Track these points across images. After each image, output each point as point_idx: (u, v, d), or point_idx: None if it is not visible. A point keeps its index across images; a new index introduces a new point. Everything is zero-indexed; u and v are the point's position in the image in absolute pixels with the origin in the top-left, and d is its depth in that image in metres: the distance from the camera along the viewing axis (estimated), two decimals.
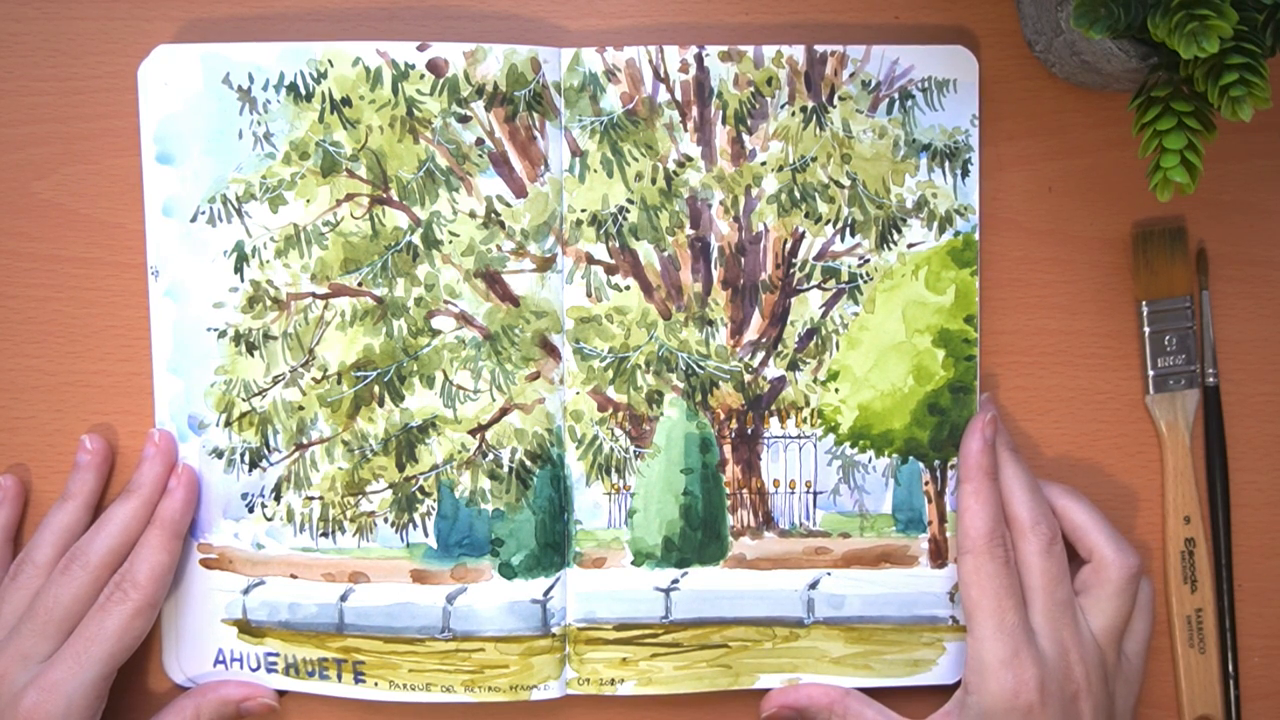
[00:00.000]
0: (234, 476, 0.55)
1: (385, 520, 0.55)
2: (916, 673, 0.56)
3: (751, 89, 0.55)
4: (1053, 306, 0.57)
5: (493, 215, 0.55)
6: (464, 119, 0.54)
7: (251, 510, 0.55)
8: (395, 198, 0.55)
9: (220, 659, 0.55)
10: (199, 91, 0.54)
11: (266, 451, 0.55)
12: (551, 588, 0.55)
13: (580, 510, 0.56)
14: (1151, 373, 0.57)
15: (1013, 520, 0.53)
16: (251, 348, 0.55)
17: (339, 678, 0.55)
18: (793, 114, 0.55)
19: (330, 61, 0.54)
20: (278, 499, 0.55)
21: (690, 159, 0.55)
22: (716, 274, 0.56)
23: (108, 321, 0.56)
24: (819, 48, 0.55)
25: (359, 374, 0.55)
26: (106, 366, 0.57)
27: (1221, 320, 0.58)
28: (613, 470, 0.56)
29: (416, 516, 0.55)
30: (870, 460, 0.56)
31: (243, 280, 0.55)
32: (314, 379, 0.55)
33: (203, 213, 0.55)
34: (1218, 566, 0.57)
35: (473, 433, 0.55)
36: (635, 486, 0.56)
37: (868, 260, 0.56)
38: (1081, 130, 0.57)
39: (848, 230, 0.56)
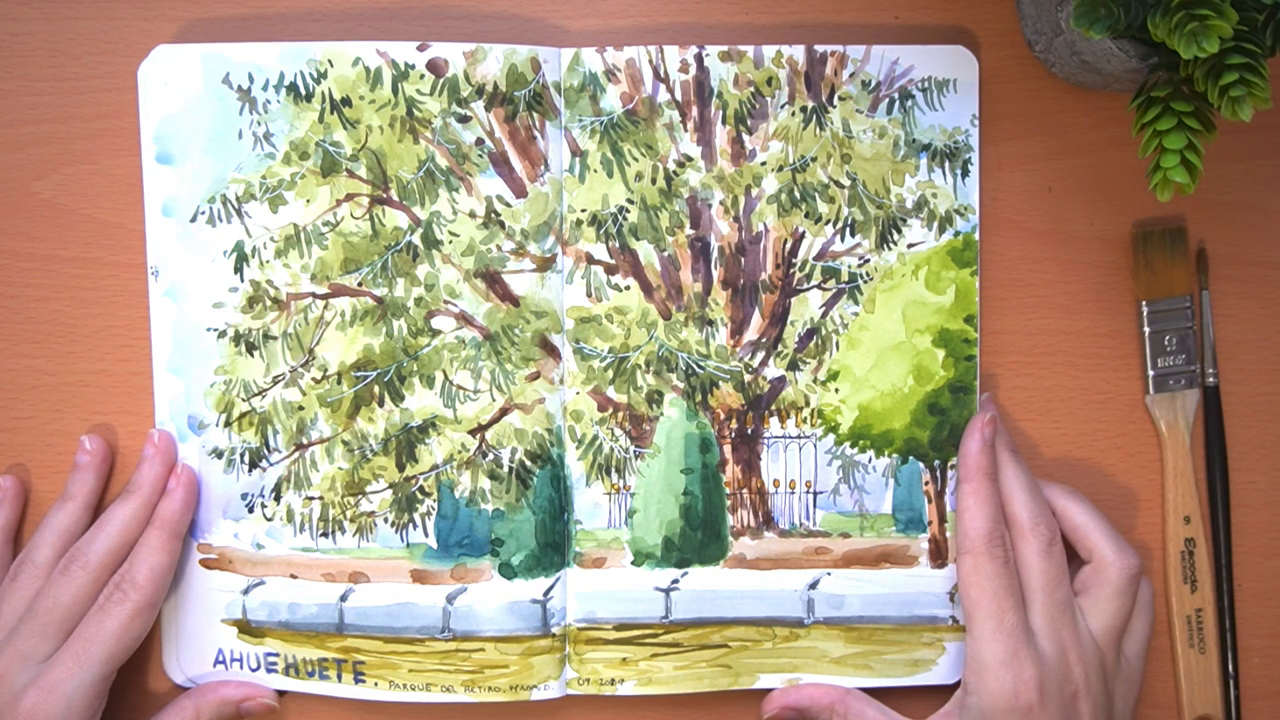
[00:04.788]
0: (234, 476, 0.55)
1: (385, 520, 0.55)
2: (916, 673, 0.56)
3: (751, 89, 0.55)
4: (1053, 306, 0.57)
5: (493, 215, 0.55)
6: (464, 119, 0.54)
7: (251, 510, 0.55)
8: (395, 198, 0.55)
9: (220, 659, 0.55)
10: (199, 91, 0.54)
11: (266, 451, 0.55)
12: (551, 588, 0.55)
13: (580, 510, 0.56)
14: (1151, 373, 0.57)
15: (1012, 521, 0.53)
16: (251, 348, 0.55)
17: (339, 678, 0.55)
18: (793, 114, 0.55)
19: (330, 61, 0.54)
20: (278, 499, 0.55)
21: (690, 159, 0.55)
22: (716, 274, 0.56)
23: (108, 321, 0.56)
24: (819, 48, 0.55)
25: (359, 374, 0.55)
26: (106, 366, 0.57)
27: (1221, 320, 0.58)
28: (613, 470, 0.56)
29: (416, 516, 0.55)
30: (870, 460, 0.56)
31: (243, 280, 0.55)
32: (314, 379, 0.55)
33: (202, 213, 0.55)
34: (1218, 566, 0.57)
35: (473, 433, 0.55)
36: (635, 486, 0.56)
37: (868, 260, 0.56)
38: (1081, 130, 0.57)
39: (848, 230, 0.56)
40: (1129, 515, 0.58)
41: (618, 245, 0.55)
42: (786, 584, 0.56)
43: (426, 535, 0.55)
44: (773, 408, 0.56)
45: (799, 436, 0.56)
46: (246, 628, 0.55)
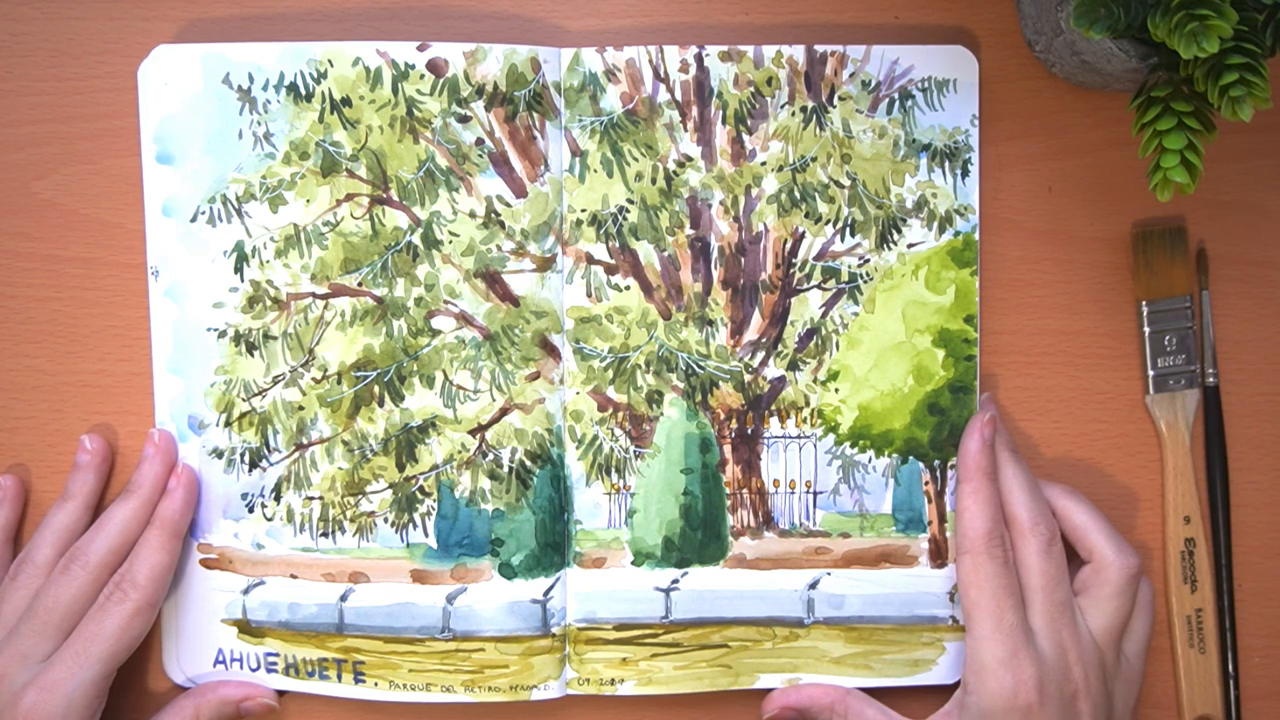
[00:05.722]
0: (234, 476, 0.55)
1: (385, 520, 0.55)
2: (916, 673, 0.56)
3: (751, 89, 0.55)
4: (1053, 306, 0.57)
5: (493, 215, 0.55)
6: (464, 119, 0.54)
7: (251, 510, 0.55)
8: (395, 198, 0.55)
9: (220, 659, 0.55)
10: (199, 91, 0.54)
11: (266, 451, 0.55)
12: (551, 588, 0.55)
13: (580, 510, 0.56)
14: (1151, 373, 0.57)
15: (1012, 520, 0.53)
16: (251, 348, 0.55)
17: (339, 678, 0.55)
18: (793, 114, 0.55)
19: (330, 61, 0.54)
20: (278, 499, 0.55)
21: (690, 159, 0.55)
22: (716, 274, 0.56)
23: (108, 321, 0.56)
24: (819, 48, 0.55)
25: (359, 374, 0.55)
26: (106, 366, 0.57)
27: (1221, 320, 0.58)
28: (613, 470, 0.56)
29: (416, 516, 0.55)
30: (870, 460, 0.56)
31: (243, 280, 0.55)
32: (314, 379, 0.55)
33: (203, 213, 0.55)
34: (1218, 566, 0.57)
35: (473, 433, 0.55)
36: (635, 486, 0.56)
37: (868, 260, 0.56)
38: (1081, 130, 0.57)
39: (848, 230, 0.56)
40: (1129, 515, 0.58)
41: (618, 245, 0.55)
42: (786, 584, 0.56)
43: (426, 535, 0.55)
44: (773, 408, 0.56)
45: (799, 436, 0.56)
46: (246, 628, 0.55)
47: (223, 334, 0.55)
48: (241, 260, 0.55)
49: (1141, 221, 0.57)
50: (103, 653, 0.51)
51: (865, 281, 0.56)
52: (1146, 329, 0.57)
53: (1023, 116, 0.57)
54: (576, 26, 0.57)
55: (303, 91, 0.54)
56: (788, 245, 0.56)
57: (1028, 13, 0.55)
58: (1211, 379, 0.57)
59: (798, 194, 0.55)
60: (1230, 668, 0.57)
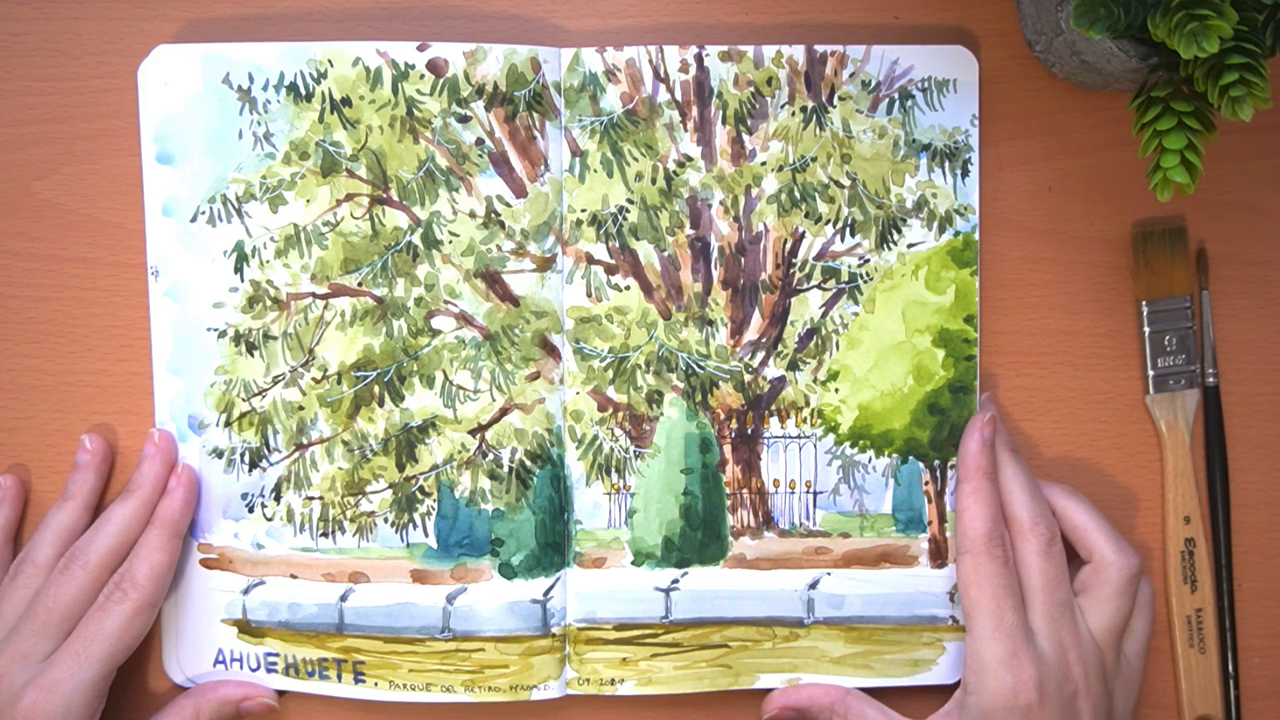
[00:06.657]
0: (234, 476, 0.55)
1: (385, 520, 0.55)
2: (916, 673, 0.56)
3: (751, 89, 0.55)
4: (1053, 306, 0.57)
5: (493, 215, 0.55)
6: (464, 119, 0.54)
7: (251, 510, 0.55)
8: (395, 198, 0.55)
9: (220, 659, 0.55)
10: (199, 91, 0.54)
11: (266, 451, 0.55)
12: (551, 588, 0.55)
13: (580, 510, 0.56)
14: (1151, 373, 0.57)
15: (1012, 520, 0.53)
16: (251, 348, 0.55)
17: (339, 678, 0.55)
18: (793, 114, 0.55)
19: (330, 61, 0.54)
20: (278, 499, 0.55)
21: (690, 159, 0.55)
22: (716, 274, 0.56)
23: (108, 321, 0.56)
24: (819, 48, 0.55)
25: (359, 374, 0.55)
26: (106, 366, 0.57)
27: (1221, 320, 0.58)
28: (613, 470, 0.56)
29: (416, 516, 0.55)
30: (870, 460, 0.56)
31: (243, 280, 0.55)
32: (314, 379, 0.55)
33: (203, 213, 0.55)
34: (1218, 566, 0.57)
35: (473, 433, 0.55)
36: (635, 486, 0.56)
37: (868, 260, 0.56)
38: (1081, 130, 0.57)
39: (848, 230, 0.56)
40: (1129, 515, 0.58)
41: (618, 245, 0.55)
42: (786, 584, 0.56)
43: (426, 535, 0.55)
44: (773, 408, 0.56)
45: (799, 436, 0.56)
46: (246, 628, 0.55)
47: (223, 334, 0.55)
48: (241, 260, 0.55)
49: (1141, 221, 0.57)
50: (102, 653, 0.51)
51: (865, 281, 0.56)
52: (1146, 329, 0.57)
53: (1023, 116, 0.57)
54: (576, 26, 0.57)
55: (303, 91, 0.54)
56: (788, 245, 0.56)
57: (1028, 13, 0.55)
58: (1211, 379, 0.57)
59: (798, 194, 0.55)
60: (1230, 668, 0.57)
